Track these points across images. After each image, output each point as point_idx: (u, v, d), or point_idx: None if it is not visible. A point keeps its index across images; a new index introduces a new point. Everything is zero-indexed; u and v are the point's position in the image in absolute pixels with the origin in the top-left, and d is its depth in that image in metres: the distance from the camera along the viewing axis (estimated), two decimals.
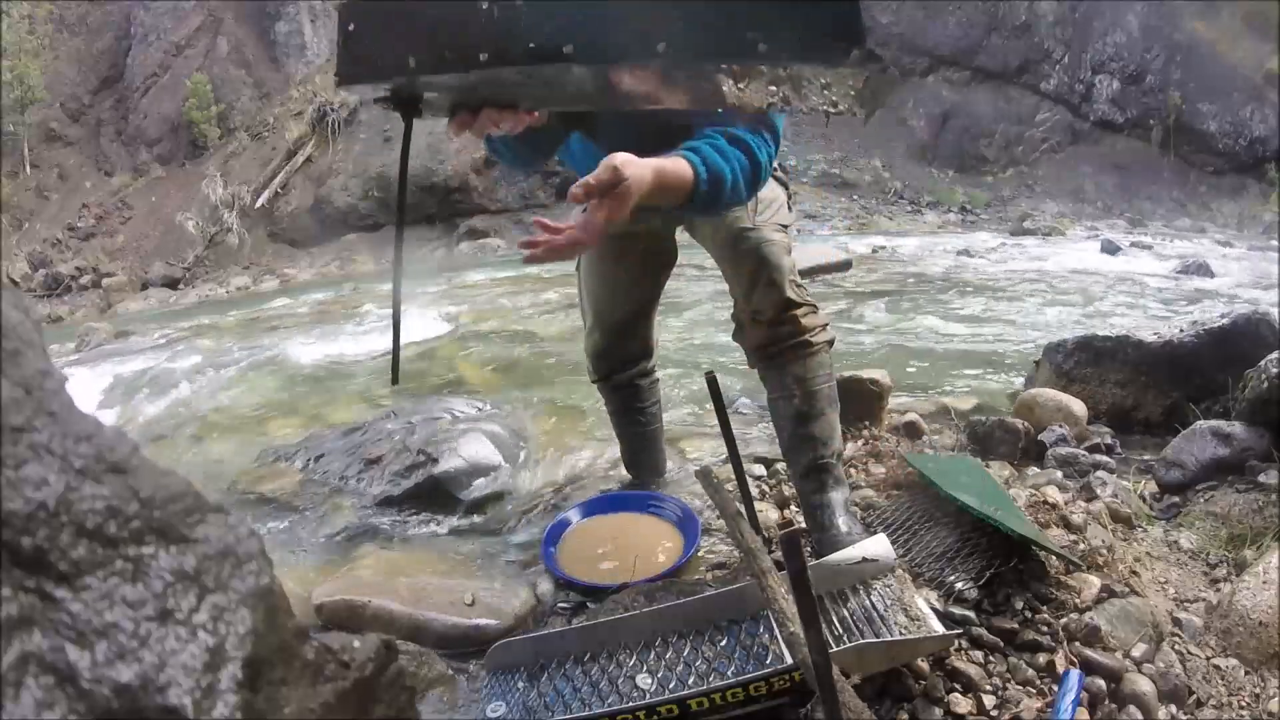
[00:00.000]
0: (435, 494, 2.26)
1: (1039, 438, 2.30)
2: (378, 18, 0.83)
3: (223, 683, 0.45)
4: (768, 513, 1.90)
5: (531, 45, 0.71)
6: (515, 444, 2.61)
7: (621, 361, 1.96)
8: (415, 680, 1.39)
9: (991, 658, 1.28)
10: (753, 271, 1.52)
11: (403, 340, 1.09)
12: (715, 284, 5.99)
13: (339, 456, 2.62)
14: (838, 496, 1.58)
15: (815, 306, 1.59)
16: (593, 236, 1.18)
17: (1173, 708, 1.25)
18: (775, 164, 1.51)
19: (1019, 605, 1.36)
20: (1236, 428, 2.01)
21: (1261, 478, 1.87)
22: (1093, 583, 1.40)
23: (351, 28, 0.83)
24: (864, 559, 1.34)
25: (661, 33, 0.68)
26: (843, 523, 1.56)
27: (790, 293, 1.53)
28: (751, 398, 2.96)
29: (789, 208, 1.65)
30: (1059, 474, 2.04)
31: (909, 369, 3.81)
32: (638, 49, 0.70)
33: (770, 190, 1.58)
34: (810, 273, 7.34)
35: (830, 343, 1.61)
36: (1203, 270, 8.07)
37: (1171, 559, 1.69)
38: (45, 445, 0.43)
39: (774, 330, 1.54)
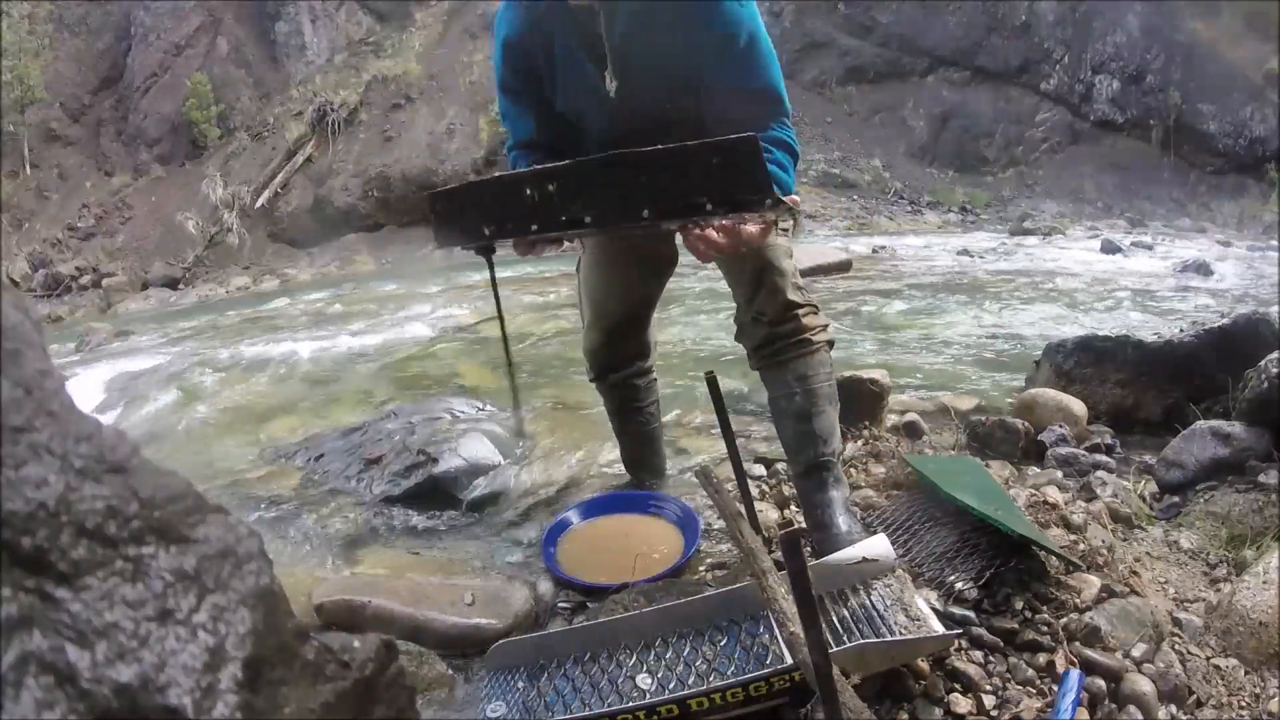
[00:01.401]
0: (435, 494, 2.26)
1: (1039, 438, 2.30)
2: (454, 202, 1.29)
3: (223, 683, 0.45)
4: (768, 513, 1.90)
5: (563, 219, 1.12)
6: (515, 444, 2.61)
7: (618, 360, 1.97)
8: (415, 680, 1.39)
9: (991, 658, 1.28)
10: (754, 276, 1.55)
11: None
12: (716, 284, 5.99)
13: (339, 456, 2.62)
14: (837, 495, 1.59)
15: (816, 307, 1.61)
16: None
17: (1173, 708, 1.25)
18: None
19: (1019, 605, 1.36)
20: (1236, 428, 2.01)
21: (1261, 478, 1.87)
22: (1093, 583, 1.40)
23: (439, 208, 1.28)
24: (864, 559, 1.34)
25: (641, 203, 1.07)
26: (842, 521, 1.57)
27: (792, 294, 1.56)
28: (750, 399, 2.96)
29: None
30: (1059, 474, 2.04)
31: (909, 369, 3.81)
32: (629, 214, 1.10)
33: None
34: (810, 273, 7.34)
35: (830, 343, 1.63)
36: (1203, 270, 8.07)
37: (1171, 559, 1.69)
38: (45, 445, 0.43)
39: (775, 330, 1.57)
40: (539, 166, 1.18)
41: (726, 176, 1.01)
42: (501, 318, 1.44)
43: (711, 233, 1.18)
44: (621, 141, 1.40)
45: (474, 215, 1.22)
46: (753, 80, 1.41)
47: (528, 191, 1.12)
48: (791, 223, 1.66)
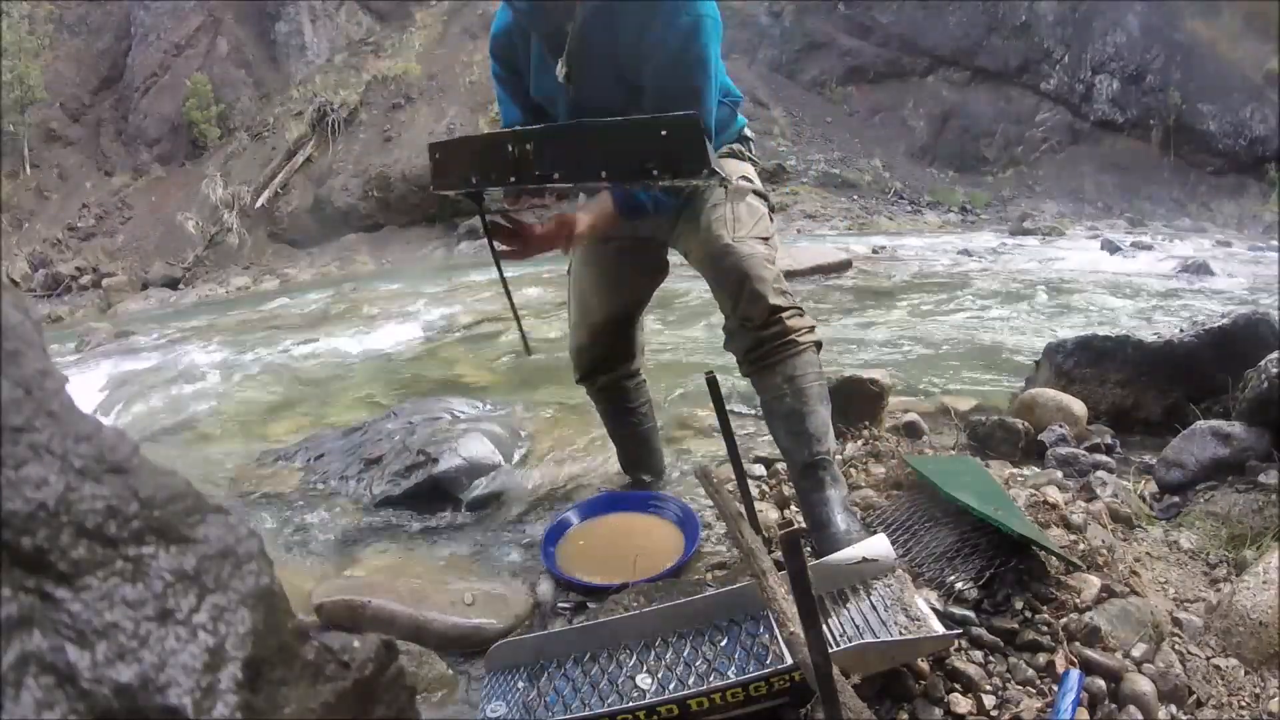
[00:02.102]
0: (435, 494, 2.26)
1: (1039, 438, 2.30)
2: (449, 152, 1.43)
3: (223, 683, 0.45)
4: (768, 513, 1.90)
5: (536, 174, 1.27)
6: (515, 444, 2.61)
7: (601, 361, 1.99)
8: (415, 680, 1.39)
9: (991, 658, 1.28)
10: (736, 286, 1.56)
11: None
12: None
13: (339, 456, 2.62)
14: (835, 494, 1.59)
15: (801, 309, 1.61)
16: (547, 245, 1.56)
17: (1173, 708, 1.25)
18: (756, 162, 1.82)
19: (1019, 605, 1.36)
20: (1236, 428, 2.01)
21: (1261, 478, 1.87)
22: (1093, 583, 1.40)
23: (437, 156, 1.42)
24: (864, 559, 1.34)
25: (599, 166, 1.23)
26: (841, 520, 1.56)
27: (774, 299, 1.56)
28: (751, 400, 2.96)
29: (770, 219, 1.73)
30: (1059, 474, 2.04)
31: (909, 369, 3.81)
32: (588, 174, 1.26)
33: (751, 207, 1.66)
34: (810, 273, 7.34)
35: (818, 344, 1.63)
36: (1203, 270, 8.07)
37: (1171, 559, 1.69)
38: (45, 445, 0.43)
39: (761, 334, 1.57)
40: (520, 128, 1.38)
41: (671, 149, 1.16)
42: (499, 263, 1.55)
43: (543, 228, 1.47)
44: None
45: (465, 165, 1.39)
46: (677, 85, 1.49)
47: (509, 148, 1.29)
48: (767, 209, 1.74)
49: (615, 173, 1.24)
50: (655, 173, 1.18)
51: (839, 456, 2.09)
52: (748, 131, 1.85)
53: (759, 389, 1.65)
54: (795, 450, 1.61)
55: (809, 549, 1.58)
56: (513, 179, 1.31)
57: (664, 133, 1.16)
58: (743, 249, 1.56)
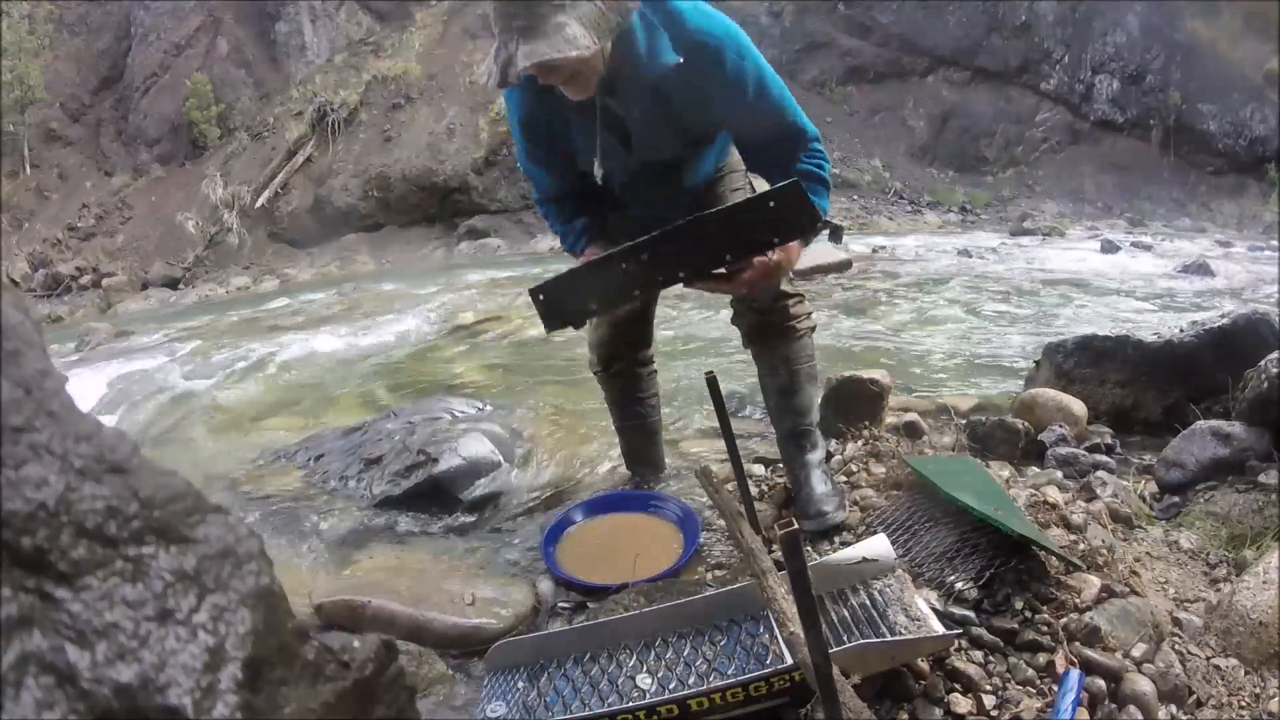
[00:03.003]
0: (435, 494, 2.26)
1: (1039, 438, 2.29)
2: (555, 292, 1.46)
3: (223, 683, 0.45)
4: (768, 513, 1.90)
5: (660, 279, 1.37)
6: (515, 444, 2.61)
7: (622, 349, 2.05)
8: (415, 680, 1.39)
9: (991, 658, 1.28)
10: None
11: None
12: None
13: (339, 456, 2.62)
14: (813, 458, 1.85)
15: (803, 296, 1.84)
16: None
17: (1173, 708, 1.25)
18: None
19: (1019, 605, 1.36)
20: (1236, 428, 2.01)
21: (1261, 478, 1.87)
22: (1093, 583, 1.40)
23: (541, 299, 1.47)
24: (864, 559, 1.34)
25: (722, 251, 1.31)
26: (817, 480, 1.80)
27: (783, 285, 1.76)
28: (751, 400, 2.96)
29: None
30: (1059, 474, 2.04)
31: (909, 369, 3.81)
32: (714, 263, 1.33)
33: None
34: (810, 272, 7.34)
35: (813, 328, 1.86)
36: (1203, 270, 8.06)
37: (1171, 559, 1.69)
38: (45, 445, 0.43)
39: (766, 317, 1.79)
40: (628, 244, 1.36)
41: (784, 217, 1.28)
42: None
43: (754, 270, 1.40)
44: (638, 180, 1.68)
45: (578, 298, 1.42)
46: (769, 123, 1.55)
47: (623, 266, 1.33)
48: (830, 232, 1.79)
49: (738, 253, 1.32)
50: (776, 240, 1.32)
51: (839, 456, 2.10)
52: None
53: (757, 362, 1.88)
54: (782, 420, 1.88)
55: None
56: (637, 293, 1.39)
57: (772, 204, 1.27)
58: None
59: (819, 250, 9.04)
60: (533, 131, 1.67)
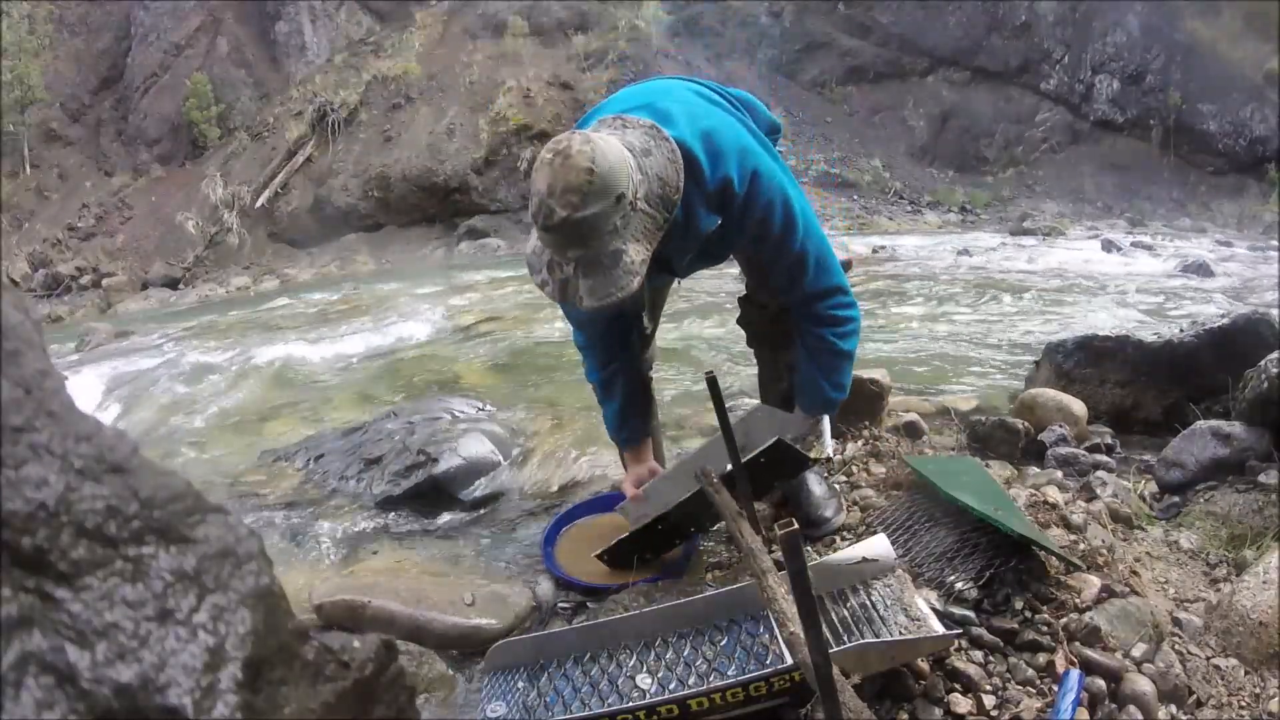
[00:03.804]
0: (435, 494, 2.26)
1: (1039, 438, 2.29)
2: (616, 555, 1.71)
3: (223, 683, 0.45)
4: (767, 513, 1.90)
5: (691, 530, 1.72)
6: (514, 443, 2.61)
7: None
8: (415, 680, 1.39)
9: (991, 658, 1.28)
10: (761, 279, 1.74)
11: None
12: (719, 295, 5.98)
13: (339, 456, 2.62)
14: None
15: None
16: None
17: (1173, 708, 1.25)
18: None
19: (1019, 605, 1.36)
20: (1236, 428, 2.01)
21: (1261, 478, 1.87)
22: (1093, 583, 1.40)
23: (605, 558, 1.71)
24: (864, 559, 1.34)
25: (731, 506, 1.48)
26: (814, 482, 1.81)
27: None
28: (751, 400, 2.96)
29: None
30: (1059, 474, 2.04)
31: (909, 369, 3.81)
32: (726, 515, 1.46)
33: None
34: None
35: None
36: (1203, 270, 8.06)
37: (1171, 559, 1.69)
38: (45, 445, 0.43)
39: (775, 324, 1.79)
40: (667, 509, 1.63)
41: (775, 469, 1.61)
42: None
43: None
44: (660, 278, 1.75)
45: (632, 551, 1.69)
46: (799, 274, 1.61)
47: (659, 528, 1.65)
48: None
49: (744, 504, 1.53)
50: (775, 484, 1.68)
51: (839, 456, 2.10)
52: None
53: (759, 362, 1.92)
54: (769, 398, 1.93)
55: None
56: (677, 541, 1.69)
57: (763, 460, 1.54)
58: None
59: None
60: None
